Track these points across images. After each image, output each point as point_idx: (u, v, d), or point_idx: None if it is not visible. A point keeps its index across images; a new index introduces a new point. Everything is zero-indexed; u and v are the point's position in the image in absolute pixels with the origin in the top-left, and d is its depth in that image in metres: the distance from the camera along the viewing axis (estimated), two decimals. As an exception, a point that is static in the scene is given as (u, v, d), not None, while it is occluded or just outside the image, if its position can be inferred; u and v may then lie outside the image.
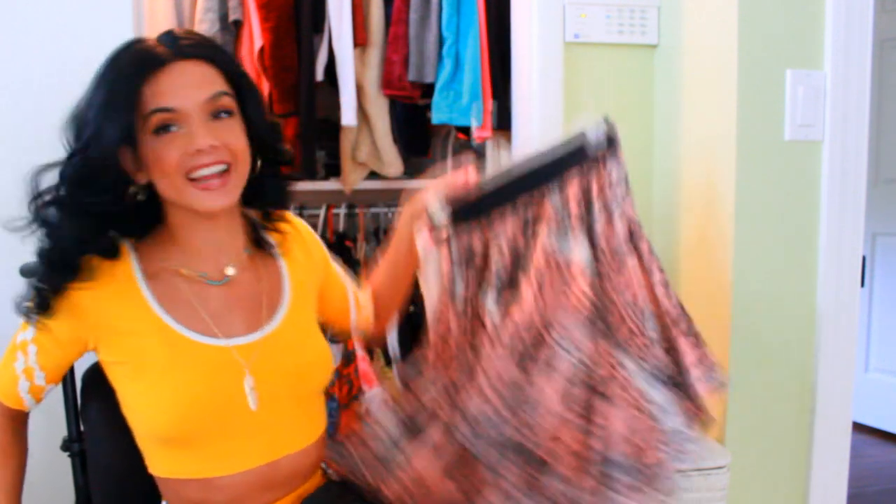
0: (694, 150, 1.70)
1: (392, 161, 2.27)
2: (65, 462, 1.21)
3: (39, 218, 0.99)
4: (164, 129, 0.98)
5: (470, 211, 1.16)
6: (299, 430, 1.10)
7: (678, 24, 1.75)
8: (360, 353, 2.21)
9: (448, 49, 2.11)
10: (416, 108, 2.34)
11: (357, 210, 2.42)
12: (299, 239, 1.21)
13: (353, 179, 2.29)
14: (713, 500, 1.52)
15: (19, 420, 1.11)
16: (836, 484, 1.64)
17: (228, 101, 1.02)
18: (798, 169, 1.57)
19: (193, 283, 1.06)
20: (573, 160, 1.13)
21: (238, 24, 2.06)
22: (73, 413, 1.21)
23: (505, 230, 1.15)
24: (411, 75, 2.13)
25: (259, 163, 1.09)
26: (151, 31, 1.95)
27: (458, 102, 2.11)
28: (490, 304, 1.14)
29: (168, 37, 1.01)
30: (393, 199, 2.47)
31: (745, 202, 1.55)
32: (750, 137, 1.54)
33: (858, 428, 3.02)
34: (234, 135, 1.01)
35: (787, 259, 1.58)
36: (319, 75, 2.12)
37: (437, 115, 2.12)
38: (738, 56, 1.52)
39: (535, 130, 1.80)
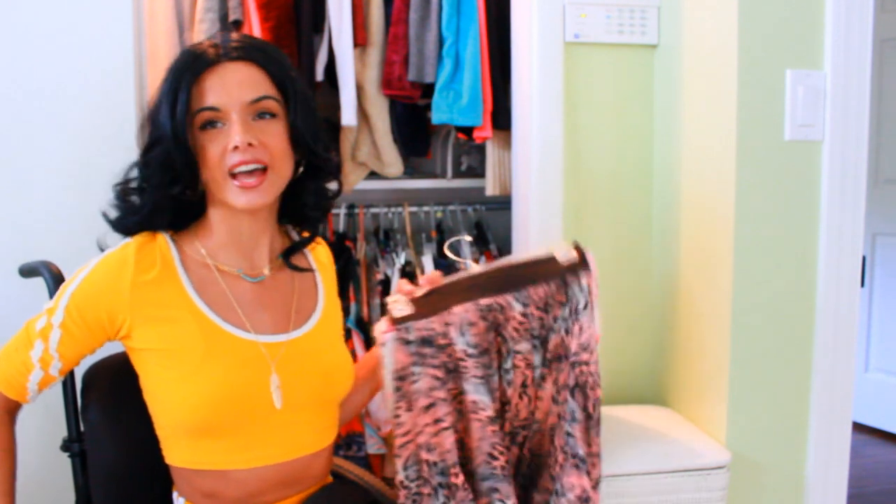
0: (694, 150, 1.70)
1: (392, 161, 2.27)
2: (65, 462, 1.21)
3: (122, 200, 1.09)
4: (208, 125, 1.03)
5: (431, 308, 1.11)
6: (316, 433, 1.12)
7: (678, 24, 1.75)
8: (360, 353, 2.22)
9: (448, 49, 2.11)
10: (416, 108, 2.34)
11: (357, 210, 2.42)
12: (331, 272, 1.25)
13: (353, 179, 2.29)
14: (713, 500, 1.52)
15: (14, 413, 1.11)
16: (836, 484, 1.64)
17: (272, 105, 1.05)
18: (798, 169, 1.57)
19: (228, 277, 1.10)
20: (542, 274, 1.12)
21: (238, 24, 2.06)
22: (73, 413, 1.21)
23: (468, 318, 1.10)
24: (411, 75, 2.13)
25: (301, 168, 1.12)
26: (151, 31, 1.96)
27: (458, 102, 2.10)
28: (475, 394, 1.11)
29: (221, 39, 1.06)
30: (393, 199, 2.47)
31: (745, 202, 1.55)
32: (750, 137, 1.54)
33: (858, 428, 3.02)
34: (273, 136, 1.05)
35: (787, 259, 1.58)
36: (319, 75, 2.12)
37: (437, 115, 2.12)
38: (738, 56, 1.52)
39: (535, 130, 1.80)
